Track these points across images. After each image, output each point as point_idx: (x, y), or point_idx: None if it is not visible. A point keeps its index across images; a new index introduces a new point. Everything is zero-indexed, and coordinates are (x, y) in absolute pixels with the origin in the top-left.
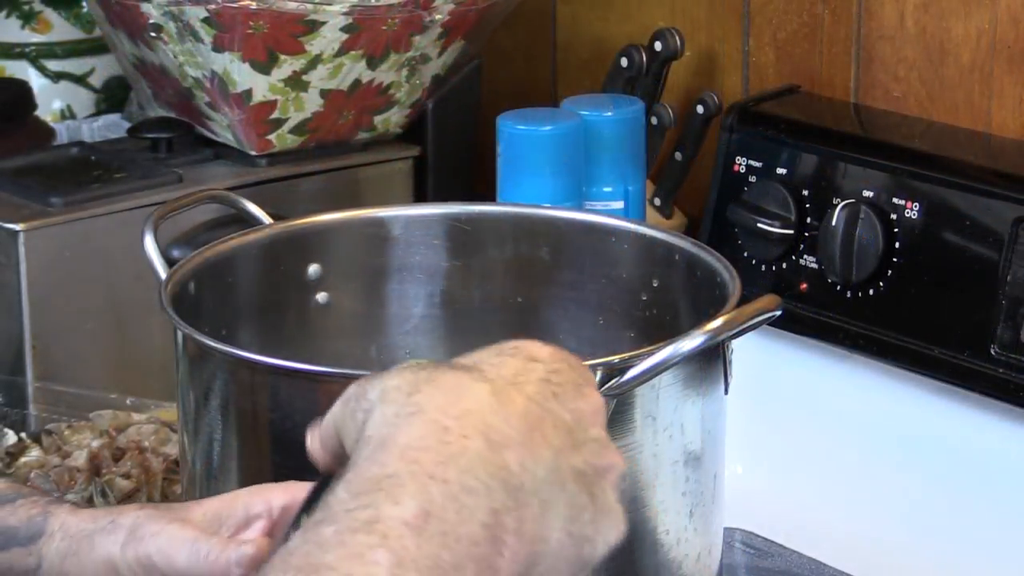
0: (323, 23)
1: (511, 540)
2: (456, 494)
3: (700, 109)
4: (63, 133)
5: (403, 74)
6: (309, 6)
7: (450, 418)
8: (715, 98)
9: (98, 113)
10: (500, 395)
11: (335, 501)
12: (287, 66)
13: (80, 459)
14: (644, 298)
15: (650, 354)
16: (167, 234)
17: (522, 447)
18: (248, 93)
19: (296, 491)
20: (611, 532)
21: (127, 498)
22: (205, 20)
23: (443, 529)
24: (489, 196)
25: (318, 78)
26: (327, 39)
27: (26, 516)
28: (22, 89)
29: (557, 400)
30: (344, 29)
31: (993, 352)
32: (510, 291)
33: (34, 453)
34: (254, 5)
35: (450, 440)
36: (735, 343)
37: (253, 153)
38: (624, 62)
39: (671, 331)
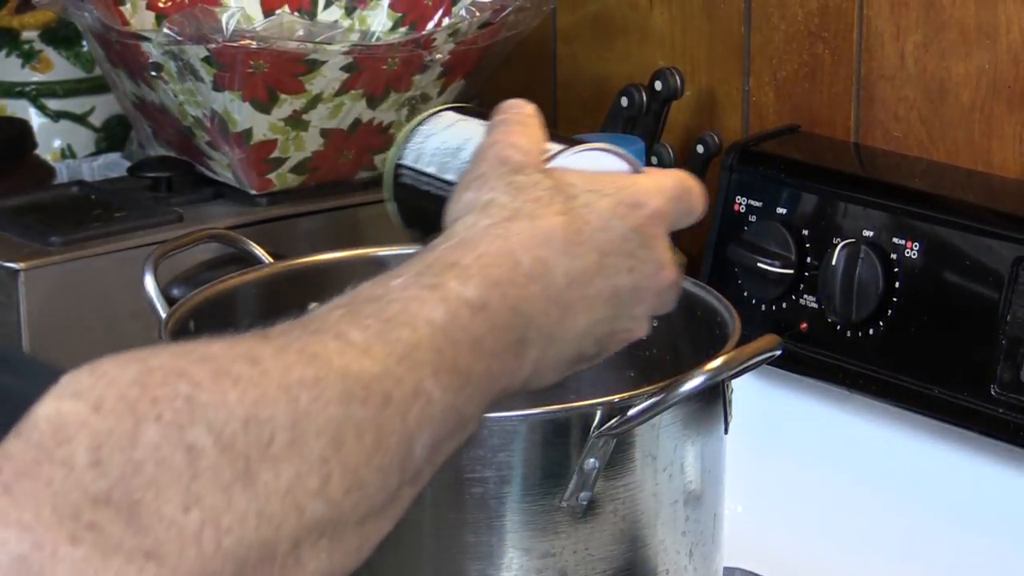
0: (323, 62)
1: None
2: (511, 306)
3: (700, 149)
4: (63, 172)
5: (403, 113)
6: (309, 45)
7: (527, 257)
8: (715, 138)
9: (98, 152)
10: (573, 249)
11: (406, 268)
12: (287, 105)
13: None
14: (644, 337)
15: (650, 394)
16: (167, 273)
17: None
18: (248, 132)
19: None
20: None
21: None
22: (205, 59)
23: (493, 324)
24: None
25: (318, 117)
26: (327, 78)
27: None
28: (22, 128)
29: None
30: (344, 68)
31: (993, 392)
32: None
33: None
34: (254, 44)
35: (517, 276)
36: (735, 383)
37: (253, 192)
38: (624, 101)
39: (671, 371)
